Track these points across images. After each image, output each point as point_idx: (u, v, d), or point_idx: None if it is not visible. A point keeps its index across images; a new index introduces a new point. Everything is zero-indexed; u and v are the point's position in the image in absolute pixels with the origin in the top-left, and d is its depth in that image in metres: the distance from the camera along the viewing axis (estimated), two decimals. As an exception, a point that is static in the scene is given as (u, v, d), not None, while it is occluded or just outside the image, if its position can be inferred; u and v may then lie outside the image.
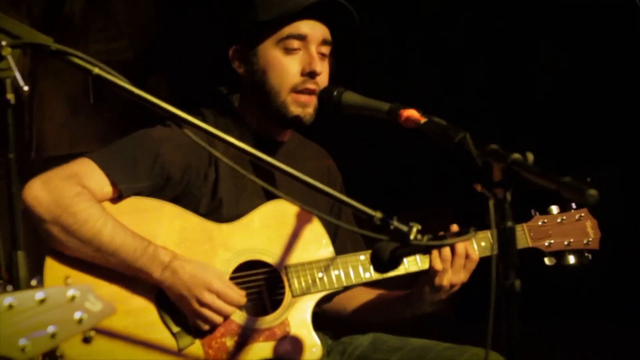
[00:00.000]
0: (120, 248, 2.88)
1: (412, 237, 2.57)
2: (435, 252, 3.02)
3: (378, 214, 2.59)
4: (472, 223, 3.03)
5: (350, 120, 3.03)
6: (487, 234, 3.19)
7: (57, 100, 5.80)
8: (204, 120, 2.63)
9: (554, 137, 5.74)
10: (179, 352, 2.93)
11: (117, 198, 2.99)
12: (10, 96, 2.26)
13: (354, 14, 3.14)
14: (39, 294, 1.77)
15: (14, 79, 2.24)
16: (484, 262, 3.06)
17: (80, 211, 2.88)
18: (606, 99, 5.66)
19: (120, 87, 2.41)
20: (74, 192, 2.90)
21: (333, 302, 3.32)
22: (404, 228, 2.59)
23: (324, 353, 3.16)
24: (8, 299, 1.75)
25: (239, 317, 3.01)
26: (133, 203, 3.00)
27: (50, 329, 1.78)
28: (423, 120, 2.69)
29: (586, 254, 3.32)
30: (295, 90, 3.11)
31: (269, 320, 3.04)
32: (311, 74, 3.10)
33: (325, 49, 3.15)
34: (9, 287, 1.89)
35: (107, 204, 2.97)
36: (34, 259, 2.79)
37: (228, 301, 2.94)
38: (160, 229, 2.99)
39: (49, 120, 5.79)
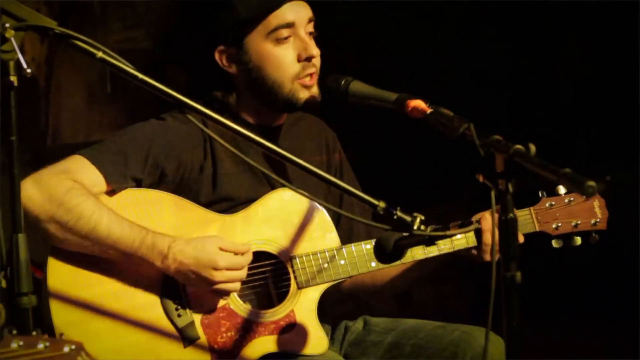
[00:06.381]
0: (118, 240, 2.87)
1: (415, 227, 2.57)
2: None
3: (381, 204, 2.57)
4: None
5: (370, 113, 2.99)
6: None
7: (74, 88, 5.81)
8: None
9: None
10: (184, 348, 2.92)
11: (111, 192, 2.97)
12: (13, 78, 2.27)
13: None
14: (40, 344, 1.90)
15: (17, 61, 2.26)
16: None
17: (74, 207, 2.85)
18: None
19: (124, 71, 2.41)
20: (66, 187, 2.87)
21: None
22: (408, 218, 2.58)
23: (330, 344, 3.14)
24: (15, 343, 1.90)
25: (244, 310, 2.99)
26: (134, 195, 2.98)
27: None
28: (429, 110, 2.67)
29: (593, 235, 3.25)
30: (298, 77, 3.10)
31: (274, 313, 3.02)
32: (308, 59, 3.10)
33: (311, 27, 3.14)
34: (14, 331, 1.99)
35: (108, 197, 2.96)
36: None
37: (237, 268, 2.92)
38: (163, 221, 2.97)
39: (66, 108, 5.80)
